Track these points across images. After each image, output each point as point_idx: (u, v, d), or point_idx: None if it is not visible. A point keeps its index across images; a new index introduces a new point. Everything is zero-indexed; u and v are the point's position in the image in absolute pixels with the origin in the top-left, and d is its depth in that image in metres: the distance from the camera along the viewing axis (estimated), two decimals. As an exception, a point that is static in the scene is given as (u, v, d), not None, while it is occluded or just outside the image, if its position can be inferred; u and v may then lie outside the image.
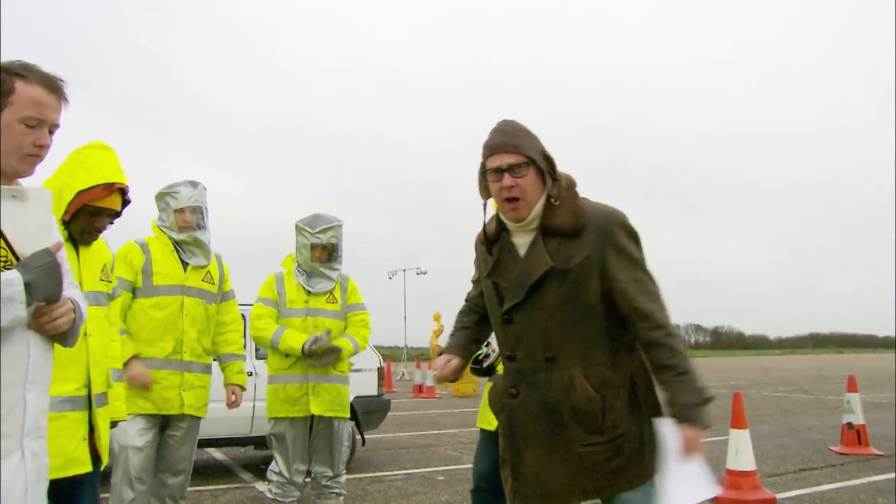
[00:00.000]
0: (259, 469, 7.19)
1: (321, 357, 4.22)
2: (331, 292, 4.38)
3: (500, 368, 3.45)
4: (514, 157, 2.17)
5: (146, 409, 3.63)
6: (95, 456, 2.60)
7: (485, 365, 3.46)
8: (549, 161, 2.24)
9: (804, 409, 14.01)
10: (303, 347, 4.13)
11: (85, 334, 2.52)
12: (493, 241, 2.33)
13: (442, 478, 6.80)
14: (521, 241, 2.27)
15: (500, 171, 2.18)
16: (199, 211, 3.85)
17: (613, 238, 2.16)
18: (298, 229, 4.32)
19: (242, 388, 4.07)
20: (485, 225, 2.37)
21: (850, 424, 8.26)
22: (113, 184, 2.75)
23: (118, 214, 3.05)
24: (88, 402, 2.56)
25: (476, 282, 2.53)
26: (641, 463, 2.19)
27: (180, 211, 3.81)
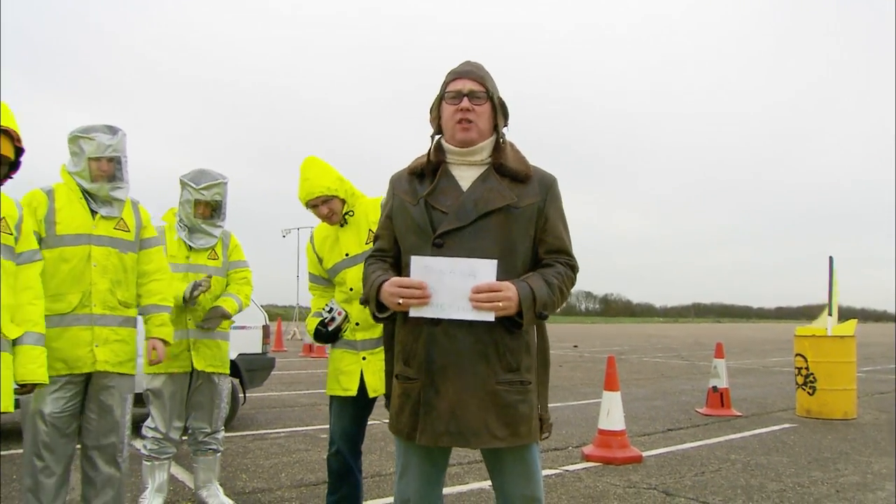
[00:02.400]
0: (137, 426, 7.04)
1: (207, 320, 4.21)
2: (212, 248, 4.35)
3: (346, 334, 3.48)
4: (476, 85, 2.30)
5: (57, 369, 3.32)
6: None
7: (330, 329, 3.43)
8: (503, 107, 2.37)
9: (678, 373, 14.81)
10: (184, 295, 4.08)
11: None
12: (426, 173, 2.36)
13: (325, 436, 6.81)
14: (463, 174, 2.33)
15: (460, 95, 2.29)
16: (116, 161, 3.53)
17: (555, 194, 2.38)
18: (183, 184, 4.24)
19: (166, 343, 3.78)
20: (424, 155, 2.39)
21: (714, 388, 8.80)
22: None
23: (15, 166, 2.92)
24: None
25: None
26: (534, 417, 2.31)
27: (96, 159, 3.48)
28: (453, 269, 2.15)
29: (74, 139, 3.51)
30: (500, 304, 2.13)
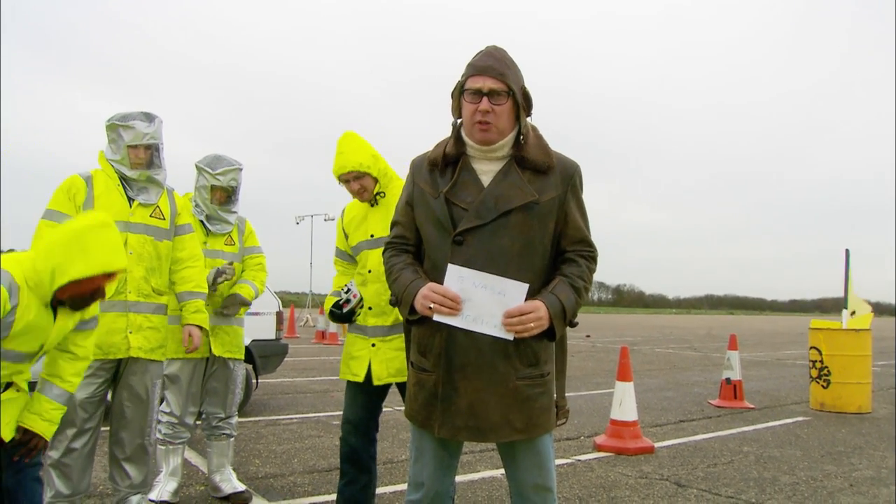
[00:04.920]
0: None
1: (226, 307, 4.24)
2: (228, 234, 4.37)
3: (359, 318, 3.46)
4: (497, 83, 2.20)
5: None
6: None
7: (344, 311, 3.39)
8: (526, 98, 2.29)
9: (691, 365, 14.75)
10: (206, 281, 4.07)
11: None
12: (447, 164, 2.33)
13: (337, 422, 6.84)
14: (484, 168, 2.29)
15: (479, 94, 2.21)
16: (154, 148, 3.58)
17: (575, 184, 2.33)
18: (199, 169, 4.26)
19: (202, 329, 3.83)
20: (444, 145, 2.36)
21: (728, 380, 8.77)
22: (114, 272, 2.64)
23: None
24: None
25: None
26: (553, 406, 2.33)
27: (134, 147, 3.52)
28: (486, 284, 2.17)
29: (113, 127, 3.54)
30: (532, 325, 2.15)
